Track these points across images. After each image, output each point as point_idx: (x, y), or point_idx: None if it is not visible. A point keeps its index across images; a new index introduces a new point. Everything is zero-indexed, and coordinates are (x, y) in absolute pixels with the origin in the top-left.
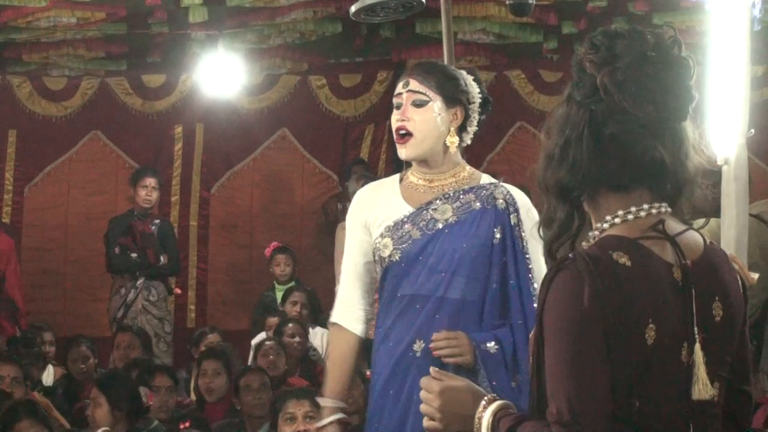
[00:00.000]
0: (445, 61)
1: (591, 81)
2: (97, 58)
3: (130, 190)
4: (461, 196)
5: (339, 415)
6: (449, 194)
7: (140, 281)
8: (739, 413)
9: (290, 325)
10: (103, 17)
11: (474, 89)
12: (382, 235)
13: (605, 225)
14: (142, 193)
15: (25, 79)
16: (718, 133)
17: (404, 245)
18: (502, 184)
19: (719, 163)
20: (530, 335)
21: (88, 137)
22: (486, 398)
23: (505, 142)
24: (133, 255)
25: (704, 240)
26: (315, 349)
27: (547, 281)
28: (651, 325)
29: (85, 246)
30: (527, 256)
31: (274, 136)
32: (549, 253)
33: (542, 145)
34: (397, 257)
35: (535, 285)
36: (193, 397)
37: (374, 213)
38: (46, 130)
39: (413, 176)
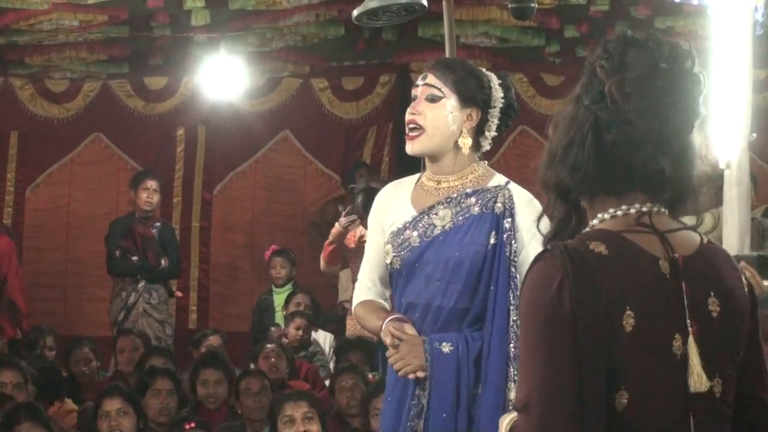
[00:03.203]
0: None
1: (600, 87)
2: (100, 60)
3: (131, 193)
4: (463, 201)
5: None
6: (452, 198)
7: (141, 284)
8: (756, 422)
9: (297, 319)
10: (106, 20)
11: (497, 93)
12: (387, 242)
13: (595, 222)
14: (143, 195)
15: (27, 81)
16: (720, 137)
17: (403, 252)
18: (508, 186)
19: (721, 167)
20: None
21: (90, 139)
22: None
23: (506, 147)
24: (134, 258)
25: (702, 239)
26: (323, 354)
27: (526, 273)
28: (629, 312)
29: (86, 247)
30: (513, 262)
31: (276, 138)
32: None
33: (548, 139)
34: (397, 264)
35: (518, 292)
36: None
37: (387, 216)
38: (48, 132)
39: (425, 177)
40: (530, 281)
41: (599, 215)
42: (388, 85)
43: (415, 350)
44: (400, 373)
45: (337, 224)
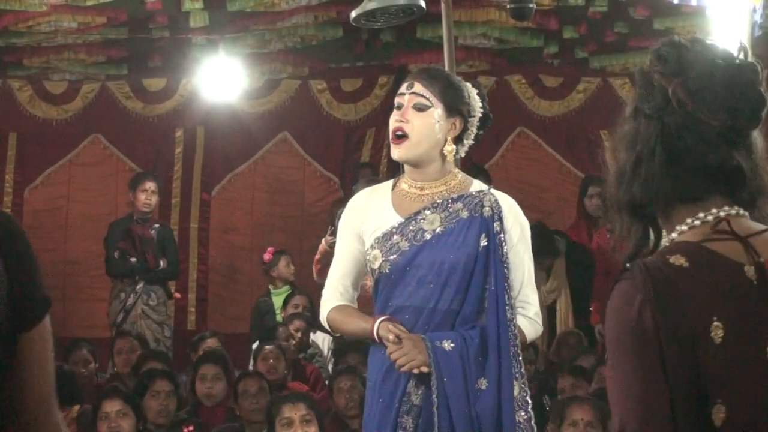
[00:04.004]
0: (446, 66)
1: (662, 93)
2: (98, 62)
3: (129, 195)
4: (449, 205)
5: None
6: (438, 203)
7: (140, 285)
8: None
9: (296, 321)
10: (104, 22)
11: (476, 103)
12: (372, 247)
13: (674, 235)
14: (142, 197)
15: (25, 83)
16: None
17: (393, 257)
18: (491, 191)
19: None
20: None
21: (89, 140)
22: None
23: (504, 149)
24: (133, 259)
25: None
26: (321, 356)
27: (608, 295)
28: (716, 323)
29: (84, 248)
30: (505, 263)
31: (275, 140)
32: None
33: (609, 166)
34: (386, 269)
35: (513, 293)
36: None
37: (366, 222)
38: (47, 134)
39: (405, 183)
40: (612, 303)
41: (677, 227)
42: (386, 86)
43: (418, 346)
44: (404, 369)
45: (323, 242)
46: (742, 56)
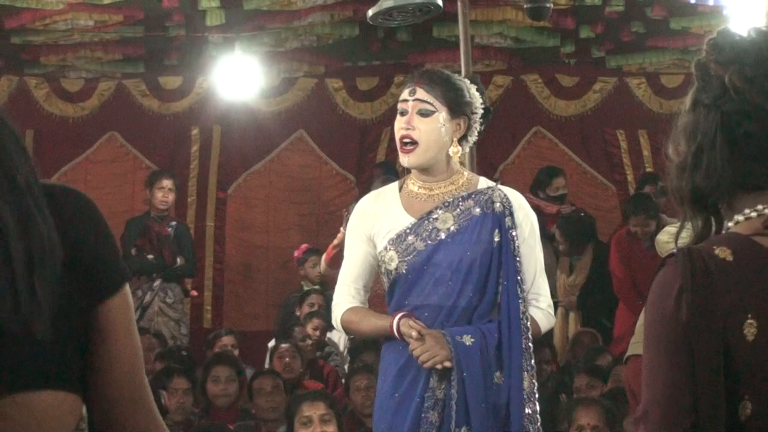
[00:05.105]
0: (462, 65)
1: (719, 82)
2: (115, 60)
3: (146, 192)
4: (460, 203)
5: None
6: (449, 202)
7: (157, 283)
8: None
9: (314, 320)
10: (121, 20)
11: (477, 100)
12: (386, 248)
13: (730, 224)
14: (159, 194)
15: (42, 81)
16: None
17: (409, 257)
18: (499, 187)
19: None
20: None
21: (105, 138)
22: None
23: (520, 148)
24: (150, 257)
25: None
26: (338, 354)
27: (652, 279)
28: (750, 321)
29: None
30: (517, 257)
31: (291, 138)
32: None
33: (670, 159)
34: (404, 269)
35: (524, 286)
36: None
37: (377, 225)
38: (63, 131)
39: (413, 185)
40: (654, 288)
41: (735, 217)
42: (402, 85)
43: (440, 342)
44: (427, 364)
45: (342, 230)
46: None
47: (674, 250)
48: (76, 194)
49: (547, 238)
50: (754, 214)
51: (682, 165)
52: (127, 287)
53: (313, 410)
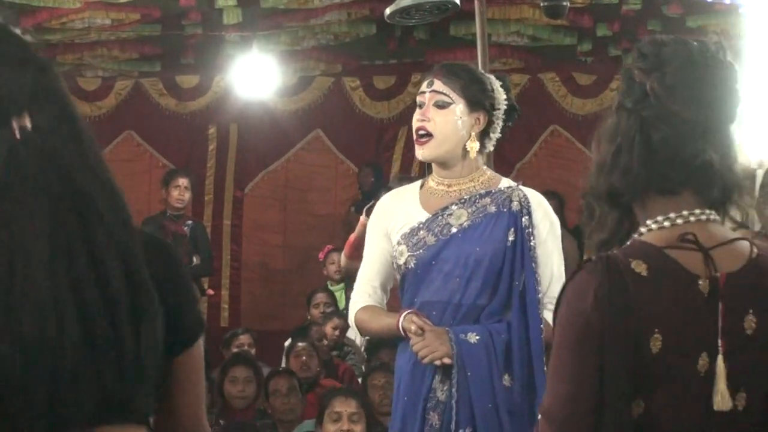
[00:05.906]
0: (479, 64)
1: (641, 88)
2: (131, 59)
3: (162, 191)
4: (477, 201)
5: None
6: (465, 199)
7: None
8: None
9: (334, 319)
10: (138, 18)
11: (500, 95)
12: (398, 243)
13: (643, 230)
14: (175, 193)
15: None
16: (753, 136)
17: (419, 252)
18: (520, 187)
19: (753, 166)
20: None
21: (122, 137)
22: None
23: (537, 147)
24: None
25: (753, 251)
26: (355, 353)
27: (568, 279)
28: (656, 336)
29: None
30: (534, 258)
31: (308, 137)
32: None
33: (592, 158)
34: (412, 264)
35: (540, 288)
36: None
37: (393, 221)
38: None
39: (432, 181)
40: (569, 290)
41: (648, 222)
42: (419, 84)
43: (441, 337)
44: (426, 360)
45: (362, 218)
46: (720, 55)
47: (593, 257)
48: (163, 246)
49: (573, 234)
50: (667, 223)
51: (601, 164)
52: (201, 339)
53: (345, 407)
